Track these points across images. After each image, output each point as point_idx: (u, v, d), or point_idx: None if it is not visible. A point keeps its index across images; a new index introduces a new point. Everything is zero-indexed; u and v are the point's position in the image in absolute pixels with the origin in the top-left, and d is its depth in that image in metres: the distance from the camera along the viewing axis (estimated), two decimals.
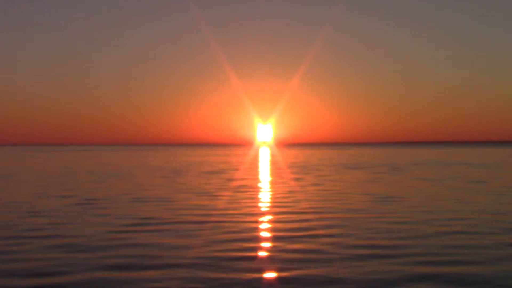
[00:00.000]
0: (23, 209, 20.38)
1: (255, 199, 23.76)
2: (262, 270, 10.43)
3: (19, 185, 32.82)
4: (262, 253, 12.04)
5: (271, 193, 26.51)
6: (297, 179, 36.52)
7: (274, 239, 13.87)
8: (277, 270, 10.46)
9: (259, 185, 31.70)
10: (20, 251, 12.36)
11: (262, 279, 9.79)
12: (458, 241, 13.52)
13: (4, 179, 38.59)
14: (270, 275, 10.07)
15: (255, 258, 11.56)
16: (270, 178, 37.55)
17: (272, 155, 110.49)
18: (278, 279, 9.78)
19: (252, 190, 28.31)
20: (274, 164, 64.79)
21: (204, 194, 25.98)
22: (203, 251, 12.31)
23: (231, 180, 36.24)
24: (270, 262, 11.19)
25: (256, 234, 14.65)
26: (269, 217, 17.84)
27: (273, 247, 12.78)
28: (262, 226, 16.06)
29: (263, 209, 19.96)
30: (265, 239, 13.81)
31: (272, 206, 20.90)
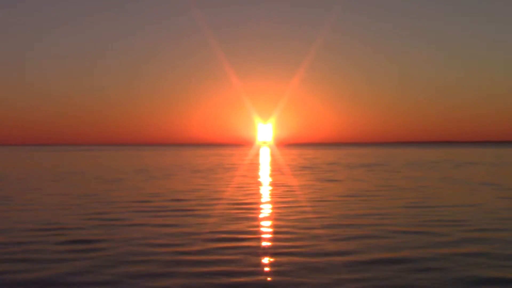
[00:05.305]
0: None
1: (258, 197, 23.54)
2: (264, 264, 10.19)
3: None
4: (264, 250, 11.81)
5: (272, 191, 26.32)
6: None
7: (275, 236, 13.64)
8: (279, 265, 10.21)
9: (263, 184, 31.50)
10: None
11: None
12: None
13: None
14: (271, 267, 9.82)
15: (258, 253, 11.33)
16: (270, 177, 37.36)
17: (272, 155, 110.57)
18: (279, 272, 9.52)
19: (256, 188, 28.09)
20: (274, 163, 64.64)
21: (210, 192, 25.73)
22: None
23: (232, 179, 36.02)
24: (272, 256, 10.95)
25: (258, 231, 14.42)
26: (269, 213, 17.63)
27: (275, 243, 12.55)
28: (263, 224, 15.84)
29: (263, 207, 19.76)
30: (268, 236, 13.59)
31: (273, 203, 20.70)
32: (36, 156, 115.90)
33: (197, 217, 17.66)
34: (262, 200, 22.78)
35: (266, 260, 11.12)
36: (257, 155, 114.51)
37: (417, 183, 31.61)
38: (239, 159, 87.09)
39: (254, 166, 56.71)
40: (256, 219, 17.12)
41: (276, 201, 22.15)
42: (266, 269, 10.32)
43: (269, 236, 14.01)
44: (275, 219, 16.97)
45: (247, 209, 19.58)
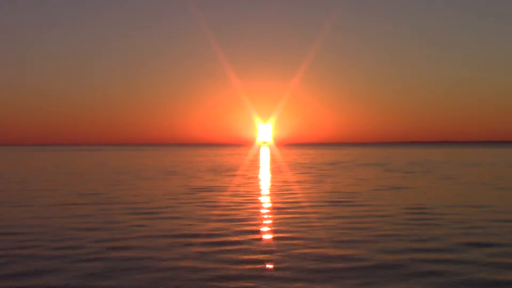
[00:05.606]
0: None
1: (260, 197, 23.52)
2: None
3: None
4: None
5: (271, 189, 26.31)
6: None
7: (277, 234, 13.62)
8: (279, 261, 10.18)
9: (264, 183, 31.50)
10: None
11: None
12: None
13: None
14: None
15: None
16: (270, 177, 37.37)
17: (272, 155, 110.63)
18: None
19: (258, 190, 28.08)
20: (274, 163, 64.68)
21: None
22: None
23: (233, 178, 36.00)
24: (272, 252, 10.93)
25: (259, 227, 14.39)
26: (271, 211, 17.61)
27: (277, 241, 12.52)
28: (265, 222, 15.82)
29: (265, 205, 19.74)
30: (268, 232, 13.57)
31: (274, 202, 20.69)
32: (36, 156, 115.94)
33: (197, 217, 17.63)
34: (263, 200, 22.75)
35: (267, 261, 11.10)
36: (257, 155, 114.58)
37: (418, 183, 31.58)
38: (239, 159, 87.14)
39: (254, 166, 56.74)
40: (256, 219, 17.09)
41: (276, 201, 22.12)
42: (267, 270, 10.30)
43: (270, 236, 13.99)
44: (276, 220, 16.95)
45: (248, 209, 19.55)
